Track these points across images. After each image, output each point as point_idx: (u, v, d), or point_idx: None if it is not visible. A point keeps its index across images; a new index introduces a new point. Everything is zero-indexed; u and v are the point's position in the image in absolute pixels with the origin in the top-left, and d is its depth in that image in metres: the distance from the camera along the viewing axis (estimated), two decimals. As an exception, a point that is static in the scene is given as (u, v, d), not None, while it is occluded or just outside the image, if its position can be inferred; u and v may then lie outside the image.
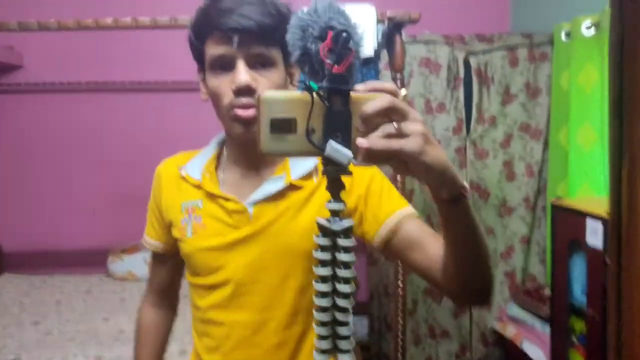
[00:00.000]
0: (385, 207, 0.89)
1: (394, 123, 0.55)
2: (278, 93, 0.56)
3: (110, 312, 2.15)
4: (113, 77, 2.63)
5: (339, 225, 0.58)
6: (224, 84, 0.84)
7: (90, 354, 1.76)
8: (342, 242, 0.58)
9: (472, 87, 2.08)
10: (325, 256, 0.59)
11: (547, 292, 2.01)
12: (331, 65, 0.54)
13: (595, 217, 1.47)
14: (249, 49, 0.82)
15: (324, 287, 0.59)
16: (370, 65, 1.51)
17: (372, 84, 0.57)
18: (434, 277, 0.81)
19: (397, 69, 1.52)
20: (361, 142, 0.53)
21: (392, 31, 1.50)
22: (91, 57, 2.65)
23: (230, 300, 0.91)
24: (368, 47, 1.42)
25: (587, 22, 1.76)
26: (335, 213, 0.58)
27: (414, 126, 0.55)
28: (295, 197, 0.91)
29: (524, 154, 2.11)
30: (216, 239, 0.91)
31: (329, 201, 0.59)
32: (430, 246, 0.82)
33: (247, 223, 0.90)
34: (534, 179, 2.11)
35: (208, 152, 0.99)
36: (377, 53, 1.54)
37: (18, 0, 2.58)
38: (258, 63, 0.84)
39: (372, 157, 0.54)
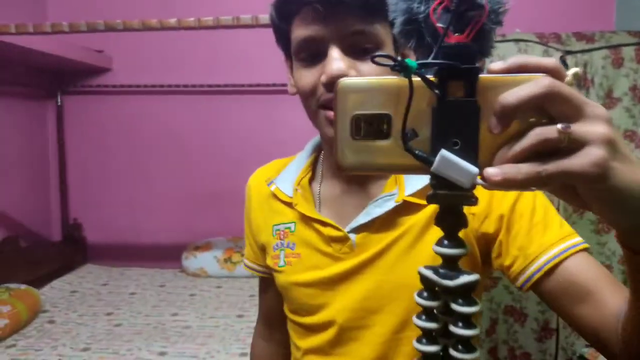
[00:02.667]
0: (538, 237, 0.64)
1: (558, 124, 0.34)
2: (364, 79, 0.38)
3: (180, 307, 2.18)
4: (194, 79, 2.70)
5: (454, 280, 0.38)
6: (313, 76, 0.66)
7: (154, 349, 1.78)
8: (458, 307, 0.38)
9: (567, 89, 1.89)
10: (432, 325, 0.39)
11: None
12: (446, 31, 0.35)
13: None
14: (346, 27, 0.63)
15: None
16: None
17: (517, 60, 0.36)
18: (603, 339, 0.58)
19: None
20: (491, 173, 0.34)
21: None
22: (174, 60, 2.73)
23: (333, 347, 0.74)
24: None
25: None
26: (449, 261, 0.39)
27: (592, 127, 0.34)
28: (412, 219, 0.70)
29: (627, 165, 1.89)
30: (313, 273, 0.75)
31: (440, 242, 0.39)
32: (604, 297, 0.59)
33: (350, 254, 0.72)
34: None
35: (301, 161, 0.82)
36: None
37: (106, 7, 2.71)
38: (358, 47, 0.64)
39: (514, 183, 0.34)
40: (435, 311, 0.40)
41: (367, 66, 0.63)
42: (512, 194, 0.68)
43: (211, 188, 2.69)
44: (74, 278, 2.53)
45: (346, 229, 0.72)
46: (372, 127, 0.37)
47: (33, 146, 2.74)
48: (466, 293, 0.38)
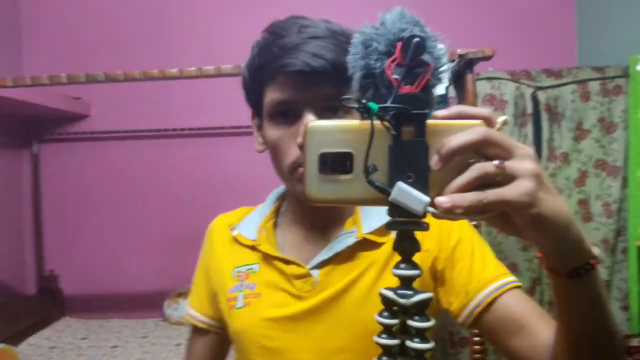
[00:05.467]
0: (477, 274, 0.71)
1: (495, 160, 0.40)
2: (331, 122, 0.44)
3: (165, 358, 2.10)
4: (173, 124, 2.70)
5: (410, 299, 0.43)
6: (286, 137, 0.70)
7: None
8: (414, 323, 0.43)
9: (540, 123, 1.98)
10: (391, 342, 0.44)
11: (633, 342, 1.82)
12: (400, 82, 0.41)
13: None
14: (319, 92, 0.68)
15: None
16: (440, 105, 1.47)
17: (457, 109, 0.43)
18: None
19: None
20: (441, 201, 0.39)
21: (462, 69, 1.45)
22: (153, 105, 2.73)
23: None
24: (441, 86, 1.38)
25: (666, 52, 1.67)
26: (405, 282, 0.44)
27: (521, 164, 0.41)
28: (373, 255, 0.73)
29: (600, 193, 1.97)
30: (274, 311, 0.74)
31: (397, 265, 0.44)
32: (536, 330, 0.64)
33: (311, 292, 0.73)
34: (612, 219, 1.96)
35: (264, 209, 0.85)
36: (447, 92, 1.50)
37: (86, 54, 2.71)
38: (329, 110, 0.69)
39: (461, 210, 0.40)
40: (393, 329, 0.45)
41: None
42: (455, 236, 0.74)
43: (192, 232, 2.62)
44: (52, 333, 2.41)
45: (308, 266, 0.74)
46: (336, 163, 0.42)
47: (6, 196, 2.65)
48: (421, 310, 0.44)
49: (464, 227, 0.77)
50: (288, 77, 0.68)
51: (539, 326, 0.64)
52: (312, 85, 0.67)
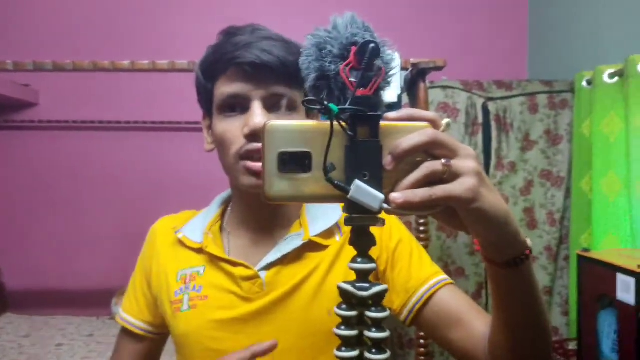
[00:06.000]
0: (416, 274, 0.76)
1: (442, 159, 0.44)
2: (289, 121, 0.45)
3: (112, 357, 2.06)
4: (126, 116, 2.63)
5: (368, 291, 0.45)
6: (234, 128, 0.72)
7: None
8: (372, 314, 0.45)
9: (490, 133, 2.04)
10: (350, 333, 0.46)
11: (571, 346, 1.91)
12: (355, 85, 0.43)
13: (627, 272, 1.40)
14: (268, 87, 0.70)
15: None
16: (393, 110, 1.49)
17: (407, 111, 0.46)
18: (474, 358, 0.67)
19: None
20: (395, 197, 0.42)
21: (415, 78, 1.48)
22: (105, 96, 2.65)
23: None
24: (392, 93, 1.40)
25: (609, 71, 1.74)
26: (362, 275, 0.46)
27: (464, 163, 0.44)
28: (318, 259, 0.76)
29: (545, 202, 2.05)
30: (222, 313, 0.74)
31: (354, 259, 0.46)
32: (472, 322, 0.69)
33: (260, 294, 0.74)
34: (555, 227, 2.04)
35: (210, 213, 0.85)
36: (400, 99, 1.52)
37: (34, 41, 2.61)
38: (276, 106, 0.72)
39: (413, 206, 0.42)
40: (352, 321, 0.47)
41: None
42: (395, 237, 0.78)
43: (143, 228, 2.57)
44: (-8, 330, 2.32)
45: (256, 268, 0.75)
46: (295, 162, 0.43)
47: (-55, 186, 2.52)
48: (378, 301, 0.46)
49: (401, 229, 0.81)
50: (239, 69, 0.70)
51: (474, 318, 0.69)
52: (261, 79, 0.70)
